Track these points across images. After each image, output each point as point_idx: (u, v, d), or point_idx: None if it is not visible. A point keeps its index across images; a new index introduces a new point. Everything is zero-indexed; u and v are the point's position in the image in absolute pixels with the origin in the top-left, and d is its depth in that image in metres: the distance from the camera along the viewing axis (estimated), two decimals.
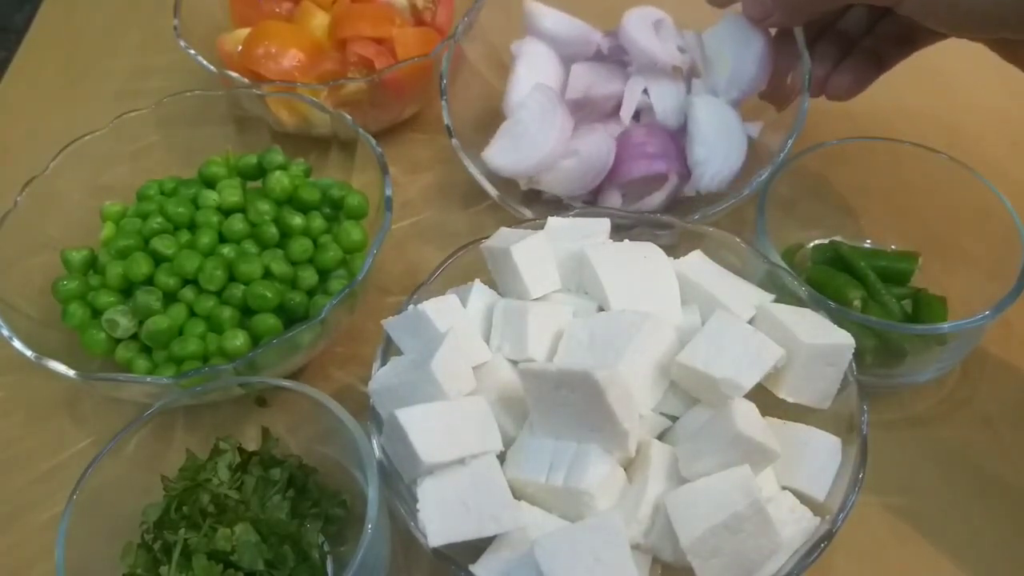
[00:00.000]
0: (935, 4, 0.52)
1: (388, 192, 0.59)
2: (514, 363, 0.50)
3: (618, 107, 0.66)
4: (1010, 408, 0.58)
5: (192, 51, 0.69)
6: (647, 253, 0.54)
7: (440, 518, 0.42)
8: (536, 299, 0.52)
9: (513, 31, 0.70)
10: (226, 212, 0.59)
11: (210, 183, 0.61)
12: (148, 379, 0.52)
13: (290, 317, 0.57)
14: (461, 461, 0.44)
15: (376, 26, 0.71)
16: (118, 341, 0.56)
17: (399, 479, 0.45)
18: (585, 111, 0.67)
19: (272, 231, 0.58)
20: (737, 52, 0.64)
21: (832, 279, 0.58)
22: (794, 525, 0.44)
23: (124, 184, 0.64)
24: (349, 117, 0.63)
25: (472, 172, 0.63)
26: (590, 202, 0.66)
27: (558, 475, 0.44)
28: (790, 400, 0.49)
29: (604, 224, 0.55)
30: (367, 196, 0.61)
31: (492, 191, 0.63)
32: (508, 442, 0.47)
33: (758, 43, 0.63)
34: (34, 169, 0.61)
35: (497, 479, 0.44)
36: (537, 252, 0.52)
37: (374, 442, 0.46)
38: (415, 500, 0.43)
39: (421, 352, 0.48)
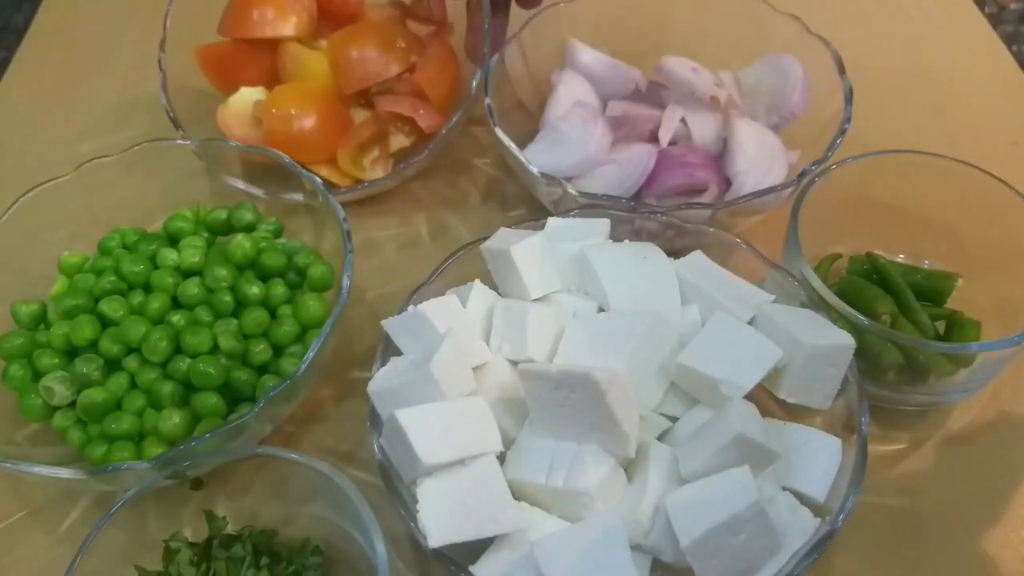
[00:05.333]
0: None
1: (347, 280, 0.54)
2: (514, 363, 0.50)
3: (655, 131, 0.66)
4: (1012, 410, 0.58)
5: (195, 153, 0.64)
6: (647, 253, 0.54)
7: (440, 519, 0.42)
8: (536, 299, 0.52)
9: (553, 59, 0.71)
10: (185, 272, 0.56)
11: (175, 238, 0.58)
12: (60, 471, 0.48)
13: (236, 396, 0.54)
14: (461, 462, 0.44)
15: (388, 67, 0.67)
16: (56, 407, 0.54)
17: (399, 480, 0.45)
18: (624, 130, 0.67)
19: (227, 299, 0.55)
20: (775, 83, 0.66)
21: (864, 291, 0.57)
22: (794, 526, 0.44)
23: (88, 232, 0.61)
24: (320, 181, 0.59)
25: (514, 152, 0.61)
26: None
27: (558, 476, 0.44)
28: (790, 401, 0.49)
29: (604, 224, 0.55)
30: (332, 266, 0.58)
31: (534, 171, 0.60)
32: (508, 442, 0.47)
33: (797, 72, 0.65)
34: (33, 170, 0.61)
35: (497, 480, 0.44)
36: (537, 253, 0.52)
37: (374, 444, 0.46)
38: (415, 501, 0.43)
39: (421, 352, 0.48)
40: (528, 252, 0.52)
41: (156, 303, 0.54)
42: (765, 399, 0.48)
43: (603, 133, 0.63)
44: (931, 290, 0.60)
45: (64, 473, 0.47)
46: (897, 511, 0.54)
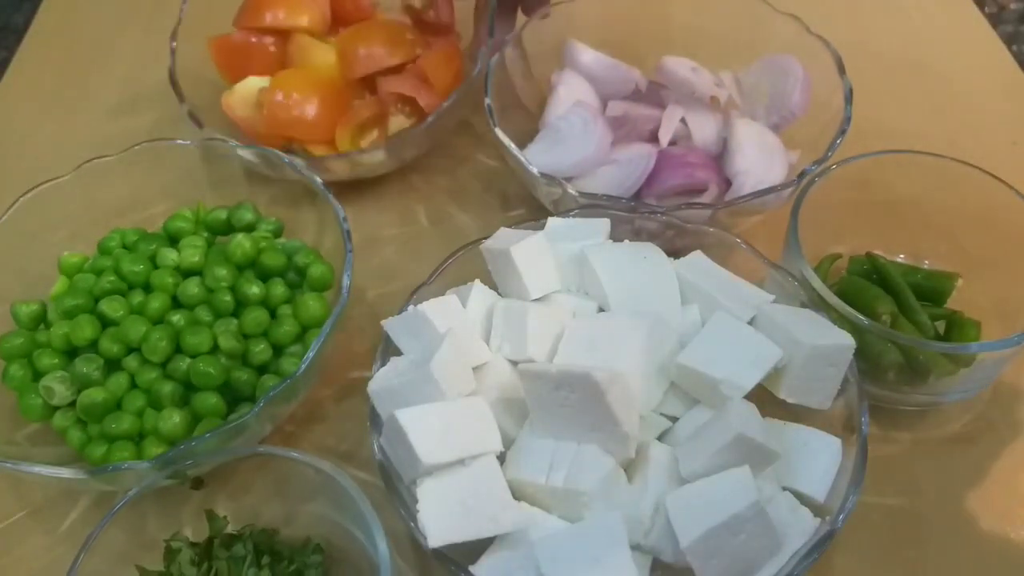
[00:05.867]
0: None
1: (347, 280, 0.54)
2: (514, 363, 0.50)
3: (655, 131, 0.66)
4: (1013, 410, 0.58)
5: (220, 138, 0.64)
6: (647, 253, 0.54)
7: (440, 519, 0.42)
8: (536, 299, 0.52)
9: (553, 59, 0.71)
10: (185, 272, 0.56)
11: (174, 238, 0.58)
12: (62, 471, 0.48)
13: (235, 396, 0.54)
14: (461, 462, 0.44)
15: (393, 54, 0.68)
16: (56, 407, 0.54)
17: (399, 480, 0.45)
18: (624, 130, 0.67)
19: (227, 299, 0.55)
20: (775, 82, 0.66)
21: (864, 291, 0.57)
22: (794, 526, 0.44)
23: (88, 232, 0.60)
24: (320, 181, 0.59)
25: (514, 152, 0.61)
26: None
27: (558, 476, 0.44)
28: (790, 401, 0.49)
29: (604, 224, 0.55)
30: (332, 266, 0.58)
31: (535, 171, 0.60)
32: (508, 442, 0.47)
33: (797, 72, 0.65)
34: (33, 170, 0.61)
35: (497, 479, 0.44)
36: (537, 253, 0.52)
37: (374, 444, 0.46)
38: (415, 501, 0.43)
39: (421, 352, 0.48)
40: (528, 252, 0.52)
41: (156, 303, 0.54)
42: (765, 399, 0.48)
43: (603, 133, 0.63)
44: (931, 290, 0.59)
45: (64, 473, 0.47)
46: (897, 511, 0.54)
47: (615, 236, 0.56)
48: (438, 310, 0.49)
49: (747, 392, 0.46)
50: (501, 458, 0.46)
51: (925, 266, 0.62)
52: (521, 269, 0.51)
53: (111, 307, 0.54)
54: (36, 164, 0.61)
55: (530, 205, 0.68)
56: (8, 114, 0.80)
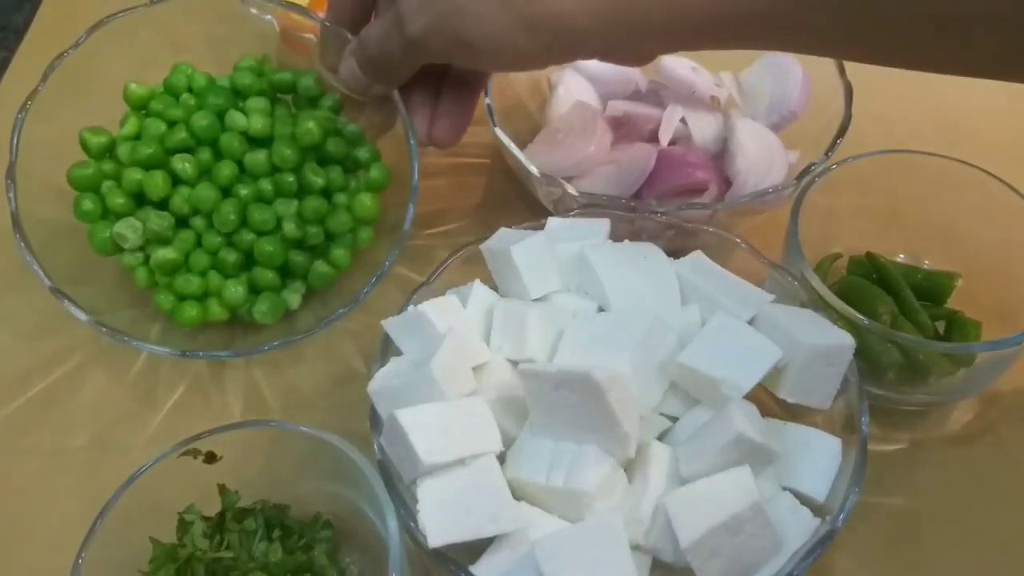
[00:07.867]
0: (455, 51, 0.51)
1: (412, 210, 0.58)
2: (514, 363, 0.50)
3: (655, 131, 0.66)
4: (1013, 410, 0.58)
5: None
6: (647, 253, 0.54)
7: (440, 519, 0.42)
8: (536, 299, 0.52)
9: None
10: (252, 138, 0.58)
11: (240, 93, 0.60)
12: (157, 348, 0.54)
13: (285, 274, 0.59)
14: (461, 461, 0.44)
15: None
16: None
17: (399, 480, 0.45)
18: (624, 130, 0.67)
19: (290, 180, 0.57)
20: (775, 83, 0.66)
21: (864, 291, 0.57)
22: (794, 526, 0.44)
23: (154, 64, 0.61)
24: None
25: (514, 152, 0.62)
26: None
27: (558, 476, 0.44)
28: (790, 400, 0.49)
29: (604, 224, 0.55)
30: (389, 168, 0.60)
31: (535, 171, 0.61)
32: (508, 442, 0.47)
33: (796, 72, 0.65)
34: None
35: (497, 479, 0.44)
36: (537, 252, 0.52)
37: (375, 444, 0.46)
38: (415, 501, 0.43)
39: (421, 352, 0.48)
40: (528, 252, 0.52)
41: (226, 170, 0.57)
42: (765, 399, 0.48)
43: (603, 133, 0.63)
44: (931, 290, 0.59)
45: (159, 350, 0.54)
46: (897, 511, 0.54)
47: (615, 236, 0.56)
48: (438, 310, 0.49)
49: (747, 392, 0.46)
50: (501, 458, 0.46)
51: (925, 266, 0.62)
52: (521, 269, 0.51)
53: (183, 166, 0.56)
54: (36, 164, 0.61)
55: (530, 205, 0.68)
56: (7, 115, 0.80)
